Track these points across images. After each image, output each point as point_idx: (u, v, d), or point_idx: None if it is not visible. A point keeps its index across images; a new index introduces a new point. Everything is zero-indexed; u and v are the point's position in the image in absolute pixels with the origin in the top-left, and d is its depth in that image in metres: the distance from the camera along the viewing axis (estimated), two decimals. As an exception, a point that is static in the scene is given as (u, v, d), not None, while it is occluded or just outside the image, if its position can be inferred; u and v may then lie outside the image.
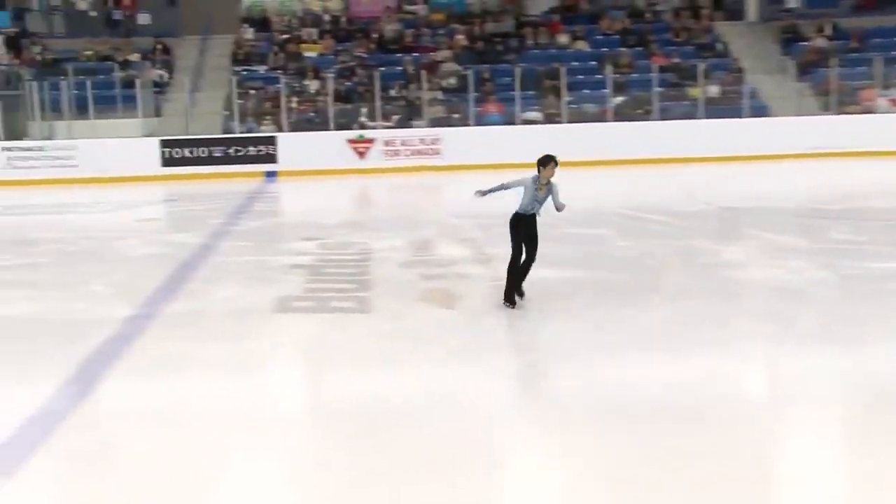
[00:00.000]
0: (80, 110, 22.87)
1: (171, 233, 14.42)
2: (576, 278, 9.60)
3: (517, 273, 8.21)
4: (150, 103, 23.41)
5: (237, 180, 20.80)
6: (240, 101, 22.86)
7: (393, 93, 23.59)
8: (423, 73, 23.18)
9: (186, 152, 21.63)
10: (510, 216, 8.17)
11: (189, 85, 24.00)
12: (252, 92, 23.65)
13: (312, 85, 23.76)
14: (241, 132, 22.40)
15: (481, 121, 22.85)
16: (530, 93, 23.34)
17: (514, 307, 8.18)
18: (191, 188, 19.81)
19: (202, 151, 21.66)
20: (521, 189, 8.05)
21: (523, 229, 8.12)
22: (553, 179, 8.05)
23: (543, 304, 8.40)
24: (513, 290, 8.24)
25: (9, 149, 21.58)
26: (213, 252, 11.90)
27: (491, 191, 8.14)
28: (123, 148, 21.67)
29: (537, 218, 8.18)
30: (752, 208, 14.60)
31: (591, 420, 5.68)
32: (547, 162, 7.96)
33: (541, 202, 8.11)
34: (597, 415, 5.76)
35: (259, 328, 8.01)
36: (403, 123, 22.90)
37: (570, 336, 7.53)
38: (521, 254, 8.18)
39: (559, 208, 8.05)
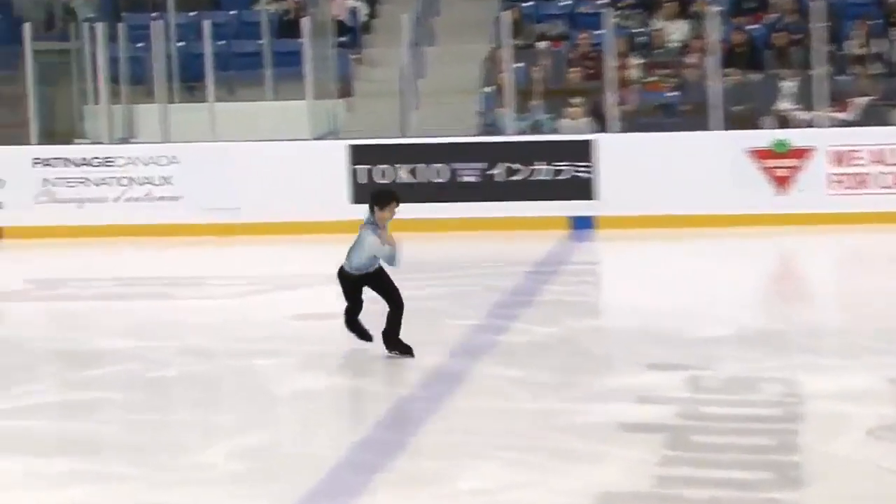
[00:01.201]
0: (188, 83, 24.15)
1: (369, 345, 14.60)
2: None
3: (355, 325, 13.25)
4: (330, 70, 24.49)
5: (509, 234, 21.35)
6: (518, 66, 23.40)
7: (856, 47, 23.37)
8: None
9: (402, 173, 22.29)
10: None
11: (411, 33, 24.82)
12: (542, 47, 24.12)
13: (673, 30, 23.98)
14: (520, 132, 22.89)
15: None
16: None
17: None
18: (454, 251, 20.34)
19: (435, 173, 22.31)
20: (368, 246, 12.76)
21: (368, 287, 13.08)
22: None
23: None
24: (358, 330, 13.26)
25: (45, 162, 22.91)
26: (454, 387, 12.25)
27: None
28: (272, 161, 22.71)
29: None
30: None
31: None
32: (388, 200, 12.72)
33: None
34: None
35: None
36: (871, 116, 22.57)
37: None
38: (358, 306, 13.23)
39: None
